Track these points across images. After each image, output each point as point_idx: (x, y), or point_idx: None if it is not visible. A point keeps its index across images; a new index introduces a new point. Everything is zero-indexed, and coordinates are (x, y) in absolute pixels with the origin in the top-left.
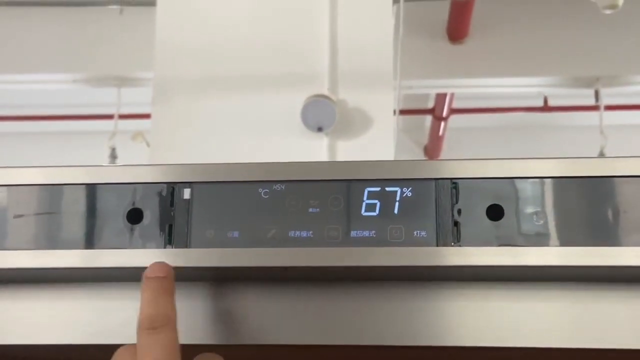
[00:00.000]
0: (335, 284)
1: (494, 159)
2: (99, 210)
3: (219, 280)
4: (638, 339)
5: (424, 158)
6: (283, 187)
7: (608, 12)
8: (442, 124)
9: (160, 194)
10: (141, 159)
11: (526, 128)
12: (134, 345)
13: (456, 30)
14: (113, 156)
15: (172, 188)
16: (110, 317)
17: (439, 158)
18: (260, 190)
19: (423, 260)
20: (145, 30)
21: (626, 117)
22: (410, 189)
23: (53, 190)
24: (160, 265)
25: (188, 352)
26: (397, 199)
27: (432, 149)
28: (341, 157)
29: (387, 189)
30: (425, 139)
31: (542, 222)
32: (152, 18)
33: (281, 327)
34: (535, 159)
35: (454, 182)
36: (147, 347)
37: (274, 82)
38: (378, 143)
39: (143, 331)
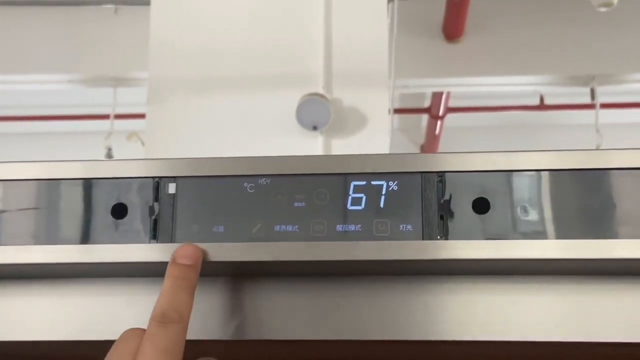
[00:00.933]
0: (320, 278)
1: (480, 152)
2: (84, 206)
3: (204, 275)
4: (627, 333)
5: None
6: (268, 182)
7: (603, 10)
8: (439, 122)
9: (145, 188)
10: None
11: (522, 126)
12: (143, 329)
13: (452, 29)
14: (109, 156)
15: (157, 182)
16: (96, 313)
17: None
18: (245, 184)
19: (409, 254)
20: (140, 30)
21: (622, 115)
22: (396, 182)
23: (39, 186)
24: (190, 250)
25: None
26: (383, 192)
27: (429, 148)
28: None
29: (372, 182)
30: (422, 138)
31: (528, 215)
32: (147, 18)
33: (264, 323)
34: (520, 151)
35: (440, 176)
36: (152, 335)
37: (269, 81)
38: (373, 142)
39: (153, 320)
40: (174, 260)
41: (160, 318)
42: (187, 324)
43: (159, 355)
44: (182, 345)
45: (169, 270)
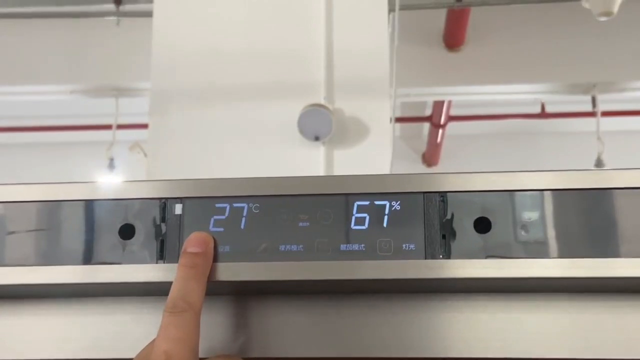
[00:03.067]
0: (324, 297)
1: (481, 172)
2: (91, 227)
3: (210, 294)
4: (629, 350)
5: (422, 165)
6: (273, 202)
7: (603, 19)
8: (440, 131)
9: (151, 209)
10: (139, 169)
11: (523, 134)
12: None
13: (453, 38)
14: (111, 167)
15: (164, 203)
16: (103, 331)
17: (437, 165)
18: (250, 204)
19: (412, 273)
20: (142, 41)
21: (623, 123)
22: (398, 202)
23: (45, 207)
24: (198, 238)
25: None
26: (386, 212)
27: (430, 156)
28: (338, 165)
29: (376, 202)
30: (423, 147)
31: (529, 234)
32: (149, 29)
33: (269, 341)
34: (521, 171)
35: (441, 196)
36: (164, 326)
37: (271, 92)
38: (375, 151)
39: (165, 311)
40: (184, 250)
41: (171, 308)
42: (199, 311)
43: (172, 344)
44: (196, 333)
45: (180, 261)
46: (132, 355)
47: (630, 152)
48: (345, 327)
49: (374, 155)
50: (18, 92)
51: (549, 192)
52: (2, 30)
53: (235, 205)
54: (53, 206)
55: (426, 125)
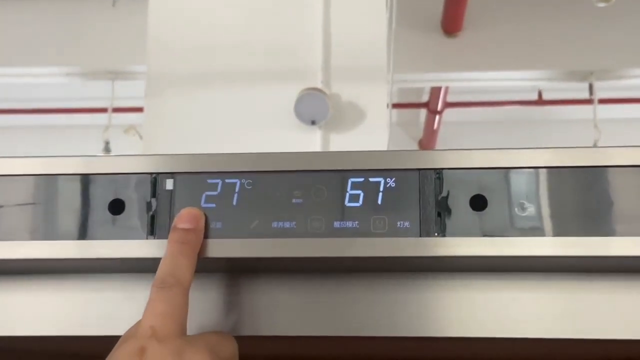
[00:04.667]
0: (318, 275)
1: (477, 149)
2: (81, 201)
3: (202, 271)
4: (624, 330)
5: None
6: (266, 178)
7: (601, 5)
8: (437, 117)
9: (142, 184)
10: (134, 153)
11: (520, 121)
12: None
13: (451, 24)
14: (107, 150)
15: (155, 178)
16: (93, 308)
17: None
18: (243, 180)
19: (407, 251)
20: (138, 23)
21: (620, 110)
22: (393, 179)
23: (35, 181)
24: (190, 214)
25: None
26: (381, 189)
27: (427, 142)
28: (334, 150)
29: (370, 179)
30: (420, 133)
31: (525, 212)
32: (145, 11)
33: (261, 319)
34: (518, 149)
35: (437, 173)
36: (151, 301)
37: (268, 76)
38: (372, 136)
39: (153, 287)
40: (174, 225)
41: (159, 284)
42: (188, 287)
43: (158, 320)
44: (183, 309)
45: (170, 236)
46: (122, 332)
47: (627, 140)
48: (338, 306)
49: (371, 141)
50: (13, 74)
51: (545, 169)
52: None
53: (227, 181)
54: (42, 180)
55: (423, 112)
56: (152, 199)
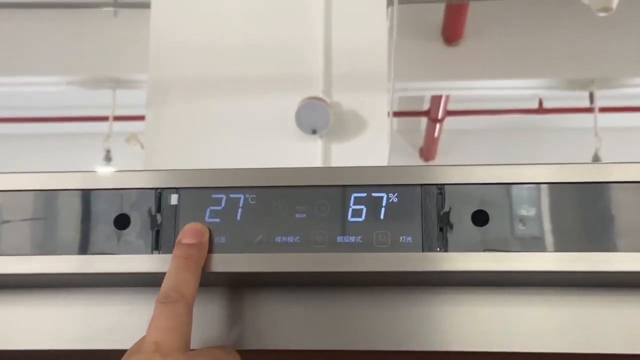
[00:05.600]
0: (321, 289)
1: (479, 165)
2: (87, 216)
3: (206, 285)
4: (626, 344)
5: (419, 159)
6: (270, 193)
7: (602, 14)
8: (438, 126)
9: (147, 199)
10: (136, 161)
11: (521, 130)
12: None
13: (451, 32)
14: (108, 158)
15: (160, 193)
16: (98, 322)
17: (434, 160)
18: (247, 195)
19: (409, 266)
20: (139, 32)
21: (620, 119)
22: (396, 194)
23: (41, 196)
24: (193, 229)
25: None
26: (384, 204)
27: (428, 151)
28: (336, 159)
29: (373, 194)
30: (420, 141)
31: (527, 227)
32: (147, 20)
33: (265, 333)
34: (519, 165)
35: (439, 188)
36: (155, 316)
37: (269, 85)
38: (373, 145)
39: (157, 302)
40: (179, 240)
41: (163, 299)
42: (191, 302)
43: (162, 335)
44: (187, 324)
45: (174, 252)
46: (127, 346)
47: (628, 149)
48: (341, 320)
49: (372, 149)
50: (14, 82)
51: (547, 185)
52: None
53: (231, 196)
54: (48, 195)
55: (424, 120)
56: (157, 213)
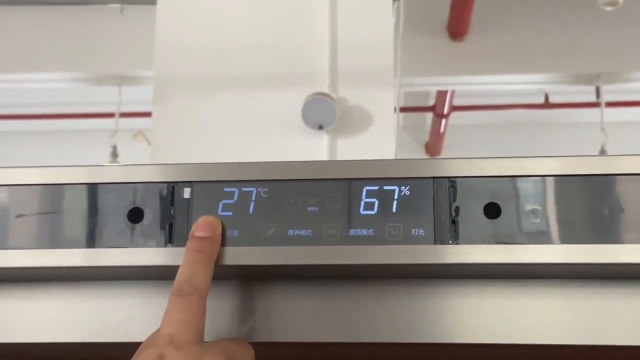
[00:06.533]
0: (333, 282)
1: (491, 157)
2: (100, 210)
3: (218, 278)
4: (635, 336)
5: (425, 155)
6: (282, 186)
7: (608, 9)
8: (443, 121)
9: (160, 193)
10: (142, 158)
11: (527, 125)
12: None
13: (457, 28)
14: (114, 155)
15: (172, 187)
16: (111, 315)
17: (440, 155)
18: (259, 189)
19: (421, 258)
20: (145, 28)
21: (627, 113)
22: (408, 187)
23: (54, 190)
24: (206, 222)
25: None
26: (395, 197)
27: (433, 146)
28: (342, 154)
29: (385, 187)
30: (426, 137)
31: (539, 220)
32: (153, 17)
33: (277, 325)
34: (531, 157)
35: (451, 181)
36: (169, 309)
37: (275, 81)
38: (379, 141)
39: (170, 295)
40: (192, 234)
41: (177, 292)
42: (205, 295)
43: (176, 327)
44: (201, 316)
45: (187, 245)
46: (141, 339)
47: (634, 143)
48: (353, 313)
49: (378, 145)
50: (20, 79)
51: (560, 177)
52: (4, 17)
53: (244, 189)
54: (62, 189)
55: (429, 115)
56: (170, 207)
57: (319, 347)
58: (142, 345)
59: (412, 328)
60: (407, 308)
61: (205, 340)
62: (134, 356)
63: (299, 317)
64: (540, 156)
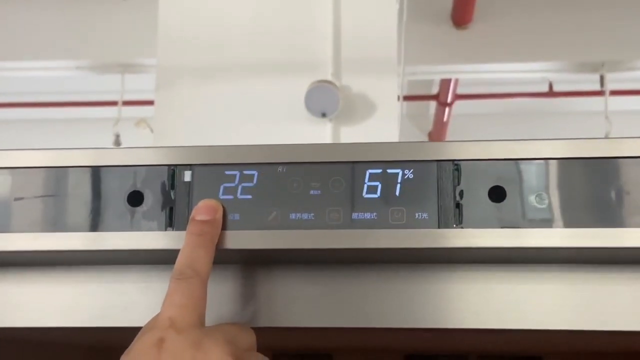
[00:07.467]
0: (335, 266)
1: (496, 140)
2: (100, 193)
3: (220, 262)
4: None
5: None
6: (284, 169)
7: None
8: (447, 110)
9: (160, 176)
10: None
11: (531, 114)
12: None
13: (461, 15)
14: (117, 143)
15: (173, 170)
16: (112, 300)
17: None
18: (261, 172)
19: (425, 243)
20: (148, 16)
21: (631, 102)
22: (411, 170)
23: (54, 173)
24: (207, 205)
25: None
26: (399, 180)
27: (437, 135)
28: (345, 142)
29: (388, 170)
30: (429, 125)
31: (544, 203)
32: (156, 4)
33: (279, 310)
34: (537, 140)
35: (455, 164)
36: (169, 293)
37: (278, 68)
38: (382, 129)
39: (171, 278)
40: (192, 217)
41: (177, 275)
42: (206, 278)
43: (176, 311)
44: (202, 300)
45: (188, 228)
46: (141, 324)
47: (638, 132)
48: (355, 298)
49: (381, 133)
50: (23, 67)
51: (565, 160)
52: (6, 5)
53: (245, 172)
54: (61, 172)
55: (433, 104)
56: (171, 190)
57: (322, 332)
58: (142, 329)
59: (416, 313)
60: (410, 293)
61: (206, 325)
62: (135, 340)
63: (301, 302)
64: (546, 139)
